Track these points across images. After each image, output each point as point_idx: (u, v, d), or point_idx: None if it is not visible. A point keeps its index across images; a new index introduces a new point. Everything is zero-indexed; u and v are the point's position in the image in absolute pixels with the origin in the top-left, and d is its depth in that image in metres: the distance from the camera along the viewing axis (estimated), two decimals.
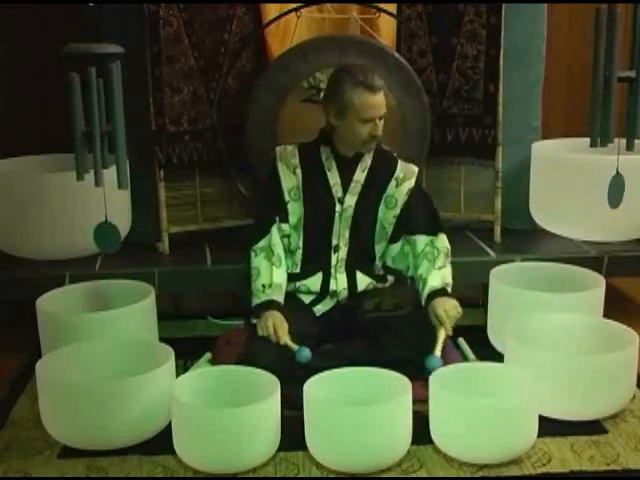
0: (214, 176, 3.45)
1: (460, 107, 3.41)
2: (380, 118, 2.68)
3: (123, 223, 3.25)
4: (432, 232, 2.83)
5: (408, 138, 3.29)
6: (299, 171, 2.79)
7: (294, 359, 2.56)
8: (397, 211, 2.83)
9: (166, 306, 2.93)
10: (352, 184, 2.79)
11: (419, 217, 2.84)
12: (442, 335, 2.65)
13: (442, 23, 3.35)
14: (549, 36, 3.60)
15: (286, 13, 3.31)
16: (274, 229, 2.79)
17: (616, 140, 2.59)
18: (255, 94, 3.25)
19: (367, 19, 3.41)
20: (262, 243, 2.78)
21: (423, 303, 2.75)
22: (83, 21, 2.78)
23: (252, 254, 2.79)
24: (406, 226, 2.84)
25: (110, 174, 2.48)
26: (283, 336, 2.61)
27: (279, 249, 2.79)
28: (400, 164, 2.85)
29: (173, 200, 3.39)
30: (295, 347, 2.59)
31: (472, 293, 3.52)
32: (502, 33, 3.26)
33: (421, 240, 2.82)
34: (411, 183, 2.83)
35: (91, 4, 2.62)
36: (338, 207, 2.79)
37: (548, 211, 3.51)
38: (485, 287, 3.07)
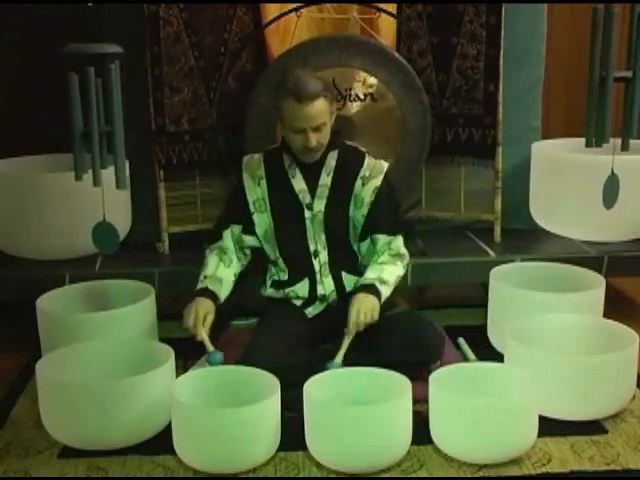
0: (214, 176, 3.45)
1: (460, 107, 3.40)
2: (316, 129, 2.60)
3: (123, 223, 3.25)
4: (391, 232, 2.77)
5: (408, 138, 3.29)
6: (264, 182, 2.76)
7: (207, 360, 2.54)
8: (365, 210, 2.76)
9: (166, 306, 2.93)
10: (319, 189, 2.74)
11: (381, 216, 2.76)
12: (345, 340, 2.58)
13: (442, 23, 3.35)
14: (549, 36, 3.60)
15: (286, 13, 3.31)
16: (226, 234, 2.79)
17: (612, 140, 2.59)
18: (255, 94, 3.25)
19: (367, 19, 3.41)
20: (216, 244, 2.80)
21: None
22: (83, 21, 2.78)
23: (207, 251, 2.81)
24: (369, 225, 2.78)
25: (110, 174, 2.48)
26: (201, 331, 2.57)
27: (231, 253, 2.79)
28: (367, 162, 2.77)
29: (173, 200, 3.39)
30: (210, 348, 2.55)
31: (472, 293, 3.53)
32: (502, 33, 3.26)
33: (381, 239, 2.77)
34: (377, 181, 2.75)
35: (90, 4, 2.62)
36: (307, 213, 2.75)
37: (548, 211, 3.51)
38: (485, 287, 3.07)
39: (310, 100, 2.56)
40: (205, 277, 2.72)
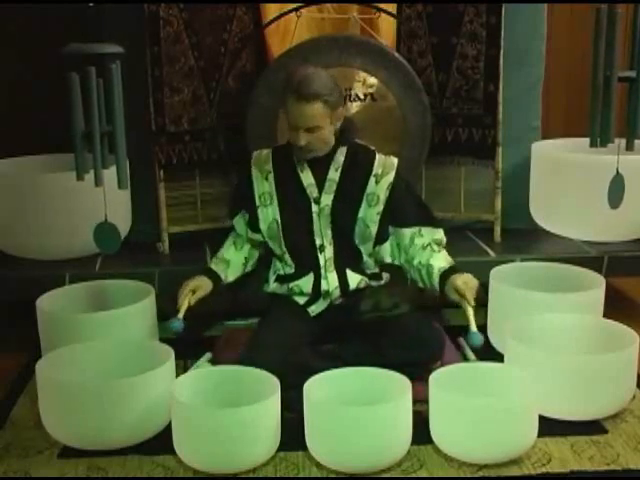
0: (214, 176, 3.46)
1: (460, 107, 3.40)
2: (309, 130, 2.62)
3: (123, 223, 3.25)
4: (420, 223, 2.81)
5: (408, 138, 3.29)
6: (272, 177, 2.79)
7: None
8: (380, 208, 2.78)
9: (166, 306, 2.93)
10: (327, 183, 2.76)
11: (405, 209, 2.80)
12: (470, 309, 2.59)
13: (442, 23, 3.35)
14: (549, 36, 3.60)
15: (286, 13, 3.31)
16: (237, 222, 2.89)
17: (616, 140, 2.59)
18: (255, 94, 3.25)
19: (367, 19, 3.41)
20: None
21: (437, 287, 2.70)
22: (83, 21, 2.78)
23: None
24: (393, 220, 2.80)
25: (110, 174, 2.48)
26: (182, 300, 2.69)
27: (243, 238, 2.90)
28: (378, 159, 2.80)
29: (173, 200, 3.39)
30: (178, 315, 2.65)
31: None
32: (502, 33, 3.26)
33: (409, 231, 2.79)
34: (390, 177, 2.78)
35: (91, 4, 2.62)
36: (315, 207, 2.77)
37: (548, 211, 3.52)
38: (485, 287, 3.07)
39: (307, 101, 2.58)
40: (214, 257, 2.88)
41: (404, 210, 2.80)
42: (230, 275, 2.85)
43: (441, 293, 2.71)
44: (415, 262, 2.78)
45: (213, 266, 2.83)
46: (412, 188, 2.91)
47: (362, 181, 2.78)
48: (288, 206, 2.79)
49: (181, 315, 2.66)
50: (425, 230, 2.80)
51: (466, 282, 2.62)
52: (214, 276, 2.80)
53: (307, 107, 2.58)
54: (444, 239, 2.83)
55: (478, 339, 2.53)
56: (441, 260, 2.74)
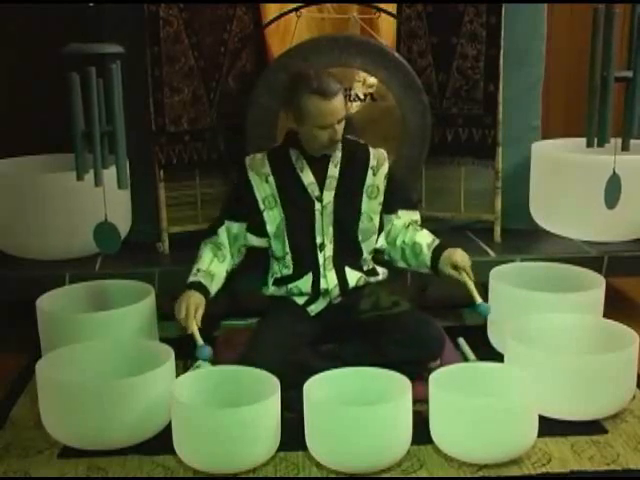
0: (214, 176, 3.45)
1: (460, 107, 3.41)
2: (339, 121, 2.67)
3: (123, 223, 3.25)
4: (412, 207, 2.95)
5: (408, 138, 3.29)
6: (271, 179, 2.79)
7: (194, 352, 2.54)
8: (381, 199, 2.84)
9: (166, 306, 2.93)
10: (327, 180, 2.78)
11: (396, 197, 2.89)
12: (471, 283, 2.68)
13: (442, 23, 3.35)
14: (549, 36, 3.60)
15: (286, 13, 3.31)
16: (221, 231, 2.82)
17: (613, 140, 2.59)
18: (255, 94, 3.25)
19: (367, 19, 3.41)
20: (212, 239, 2.83)
21: (427, 263, 2.80)
22: (83, 21, 2.78)
23: (202, 244, 2.84)
24: (390, 206, 2.87)
25: (110, 174, 2.48)
26: (192, 324, 2.59)
27: (225, 249, 2.82)
28: (372, 152, 2.86)
29: (173, 200, 3.39)
30: (200, 342, 2.54)
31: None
32: (502, 33, 3.26)
33: (399, 215, 2.90)
34: (385, 168, 2.85)
35: (91, 4, 2.62)
36: (317, 205, 2.78)
37: (548, 211, 3.52)
38: (485, 287, 3.07)
39: (334, 96, 2.64)
40: (198, 270, 2.75)
41: (394, 198, 2.88)
42: (214, 289, 2.76)
43: (432, 269, 2.80)
44: (398, 241, 2.88)
45: (202, 280, 2.72)
46: (402, 179, 3.01)
47: (361, 175, 2.82)
48: (291, 207, 2.79)
49: (201, 340, 2.55)
50: (402, 212, 2.90)
51: (463, 257, 2.74)
52: (204, 290, 2.71)
53: (334, 102, 2.64)
54: (419, 221, 2.94)
55: (486, 308, 2.64)
56: (426, 237, 2.85)
